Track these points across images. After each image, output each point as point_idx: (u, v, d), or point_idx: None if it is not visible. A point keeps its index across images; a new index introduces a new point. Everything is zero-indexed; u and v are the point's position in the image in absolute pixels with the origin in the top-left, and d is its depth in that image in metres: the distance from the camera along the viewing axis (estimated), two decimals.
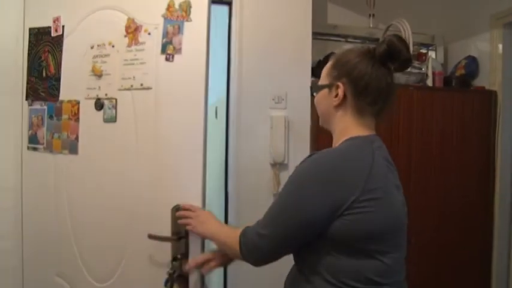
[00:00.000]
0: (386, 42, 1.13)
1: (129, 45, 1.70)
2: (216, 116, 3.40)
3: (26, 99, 1.97)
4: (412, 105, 2.56)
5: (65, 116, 1.85)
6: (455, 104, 2.65)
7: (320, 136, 2.36)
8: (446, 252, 2.61)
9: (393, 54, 1.12)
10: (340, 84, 1.16)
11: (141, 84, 1.67)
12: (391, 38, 1.13)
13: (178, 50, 1.63)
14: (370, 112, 1.17)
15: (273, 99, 2.27)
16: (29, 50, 1.97)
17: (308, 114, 2.31)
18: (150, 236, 1.59)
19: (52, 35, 1.89)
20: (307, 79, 2.33)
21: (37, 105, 1.94)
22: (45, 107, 1.92)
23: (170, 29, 1.64)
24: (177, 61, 1.63)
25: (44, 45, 1.91)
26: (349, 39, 2.86)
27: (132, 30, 1.70)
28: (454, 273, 2.62)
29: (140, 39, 1.68)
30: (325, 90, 1.21)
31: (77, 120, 1.81)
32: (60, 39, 1.87)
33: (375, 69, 1.13)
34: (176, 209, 1.57)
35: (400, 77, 2.52)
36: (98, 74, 1.76)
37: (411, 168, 2.56)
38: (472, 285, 2.67)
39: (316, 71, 2.47)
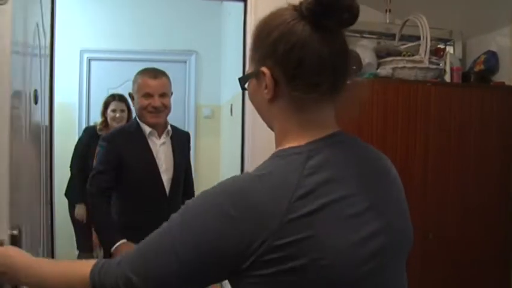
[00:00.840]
0: None
1: None
2: (231, 113, 3.41)
3: None
4: (429, 101, 2.52)
5: None
6: (474, 100, 2.60)
7: None
8: (465, 248, 2.57)
9: (328, 6, 0.73)
10: (264, 69, 0.79)
11: None
12: None
13: None
14: (313, 103, 0.80)
15: None
16: None
17: None
18: None
19: None
20: None
21: None
22: None
23: None
24: None
25: None
26: (365, 35, 2.82)
27: None
28: (473, 270, 2.59)
29: None
30: (253, 81, 0.85)
31: None
32: None
33: (306, 35, 0.75)
34: None
35: (417, 73, 2.48)
36: None
37: (428, 165, 2.52)
38: (491, 282, 2.63)
39: None
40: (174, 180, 2.17)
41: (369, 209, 0.77)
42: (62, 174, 3.20)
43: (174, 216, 0.77)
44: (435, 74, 2.59)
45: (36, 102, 1.78)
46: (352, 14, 0.75)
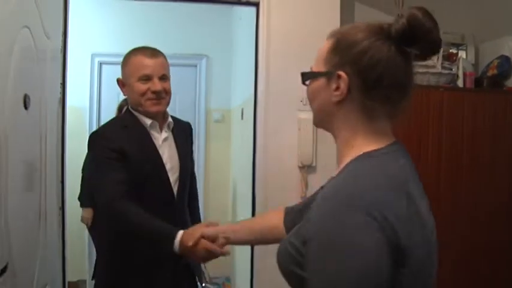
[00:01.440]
0: (406, 17, 0.81)
1: None
2: (242, 117, 3.40)
3: None
4: (442, 106, 2.51)
5: None
6: (486, 105, 2.58)
7: None
8: (478, 253, 2.55)
9: (416, 34, 0.80)
10: (342, 74, 0.84)
11: None
12: (412, 12, 0.81)
13: None
14: (384, 113, 0.86)
15: (301, 101, 2.25)
16: None
17: None
18: None
19: None
20: None
21: None
22: None
23: None
24: None
25: None
26: None
27: None
28: (487, 275, 2.56)
29: None
30: (322, 80, 0.89)
31: None
32: None
33: (391, 55, 0.83)
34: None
35: (430, 78, 2.47)
36: None
37: (441, 170, 2.51)
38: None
39: None
40: (181, 181, 1.83)
41: (429, 209, 0.85)
42: (73, 179, 3.21)
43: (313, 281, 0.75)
44: (448, 79, 2.57)
45: (26, 108, 1.66)
46: (435, 47, 0.83)
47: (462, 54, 2.97)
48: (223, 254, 1.42)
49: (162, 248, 1.55)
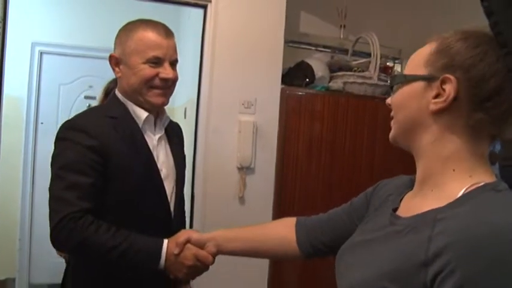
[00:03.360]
0: None
1: None
2: (185, 116, 3.41)
3: None
4: (376, 116, 2.64)
5: None
6: None
7: (287, 143, 2.41)
8: None
9: None
10: (451, 77, 0.74)
11: None
12: None
13: None
14: (488, 134, 0.76)
15: (243, 104, 2.31)
16: None
17: (276, 121, 2.36)
18: None
19: None
20: (277, 85, 2.38)
21: None
22: None
23: None
24: None
25: None
26: (319, 48, 2.92)
27: None
28: None
29: None
30: (419, 85, 0.78)
31: None
32: None
33: (503, 70, 0.73)
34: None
35: (367, 89, 2.60)
36: None
37: (374, 176, 2.63)
38: None
39: (286, 78, 2.52)
40: (178, 194, 1.50)
41: None
42: (7, 171, 3.09)
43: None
44: (383, 91, 2.71)
45: None
46: None
47: (398, 67, 3.14)
48: (212, 262, 1.23)
49: (144, 268, 1.25)
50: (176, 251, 1.21)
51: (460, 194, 0.72)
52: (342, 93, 2.59)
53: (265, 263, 2.35)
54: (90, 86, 4.07)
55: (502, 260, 0.60)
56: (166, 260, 1.22)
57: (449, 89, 0.74)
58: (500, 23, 0.75)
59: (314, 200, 2.49)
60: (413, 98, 0.79)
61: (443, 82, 0.75)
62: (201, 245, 1.22)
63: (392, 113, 0.86)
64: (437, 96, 0.75)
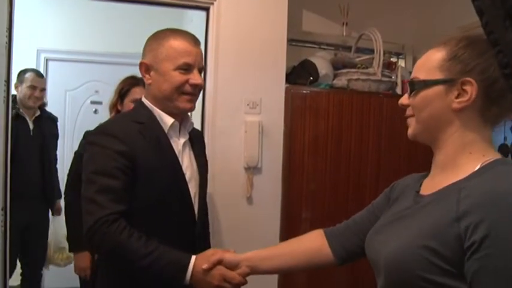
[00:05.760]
0: None
1: None
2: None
3: None
4: (382, 112, 2.65)
5: None
6: None
7: (292, 141, 2.42)
8: None
9: None
10: (472, 81, 0.88)
11: None
12: None
13: None
14: (492, 121, 0.94)
15: (248, 104, 2.32)
16: None
17: (281, 120, 2.37)
18: None
19: None
20: (282, 85, 2.39)
21: None
22: None
23: None
24: None
25: None
26: (322, 46, 2.93)
27: None
28: None
29: None
30: (439, 88, 0.92)
31: None
32: None
33: None
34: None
35: (371, 85, 2.60)
36: None
37: (380, 174, 2.64)
38: None
39: (290, 77, 2.53)
40: (201, 197, 1.55)
41: None
42: None
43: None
44: (387, 86, 2.71)
45: None
46: None
47: (401, 63, 3.14)
48: (243, 283, 1.26)
49: (170, 280, 1.28)
50: (205, 266, 1.24)
51: (478, 167, 0.88)
52: (346, 90, 2.59)
53: None
54: (96, 91, 4.10)
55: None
56: (192, 275, 1.25)
57: (471, 90, 0.89)
58: (491, 23, 0.87)
59: (322, 197, 2.50)
60: (436, 99, 0.93)
61: (463, 84, 0.89)
62: (233, 266, 1.25)
63: (408, 113, 0.99)
64: (458, 96, 0.90)
